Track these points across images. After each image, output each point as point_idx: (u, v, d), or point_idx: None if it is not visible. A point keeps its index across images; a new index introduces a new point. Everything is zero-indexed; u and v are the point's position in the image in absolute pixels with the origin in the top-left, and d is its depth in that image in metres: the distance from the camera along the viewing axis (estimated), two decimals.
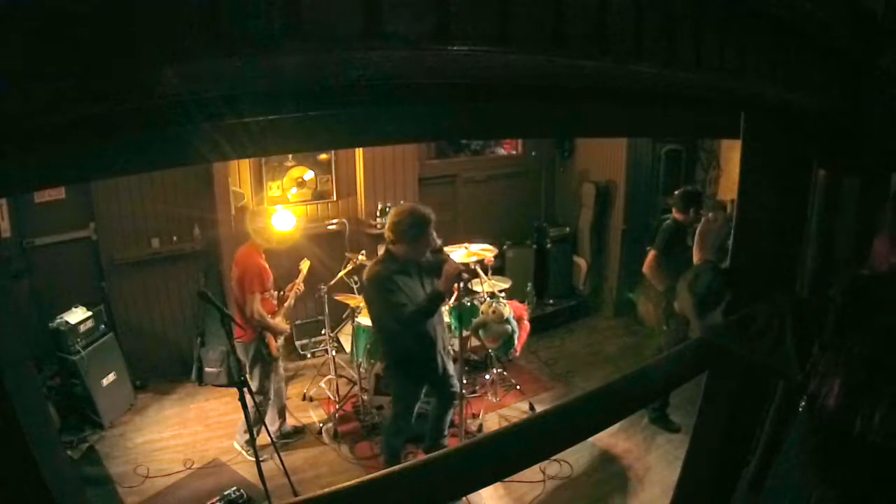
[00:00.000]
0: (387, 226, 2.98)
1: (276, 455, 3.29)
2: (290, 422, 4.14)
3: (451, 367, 3.39)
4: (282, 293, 3.85)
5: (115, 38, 0.53)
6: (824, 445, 1.15)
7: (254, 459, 3.06)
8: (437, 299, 2.87)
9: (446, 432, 3.58)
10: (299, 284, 3.91)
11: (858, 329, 1.10)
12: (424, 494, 1.14)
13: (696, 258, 1.67)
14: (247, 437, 3.72)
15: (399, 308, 2.86)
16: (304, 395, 4.55)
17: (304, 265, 4.09)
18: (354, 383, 4.38)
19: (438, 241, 3.11)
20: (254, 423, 3.66)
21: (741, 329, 1.33)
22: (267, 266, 3.60)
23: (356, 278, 4.48)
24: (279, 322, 3.67)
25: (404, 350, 3.10)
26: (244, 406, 2.84)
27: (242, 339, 3.60)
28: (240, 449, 3.79)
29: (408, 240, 2.91)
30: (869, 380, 1.06)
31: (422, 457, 3.37)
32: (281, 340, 3.77)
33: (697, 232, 1.71)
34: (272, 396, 3.77)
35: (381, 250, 4.22)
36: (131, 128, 0.63)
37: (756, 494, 1.74)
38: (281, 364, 3.93)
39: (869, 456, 1.05)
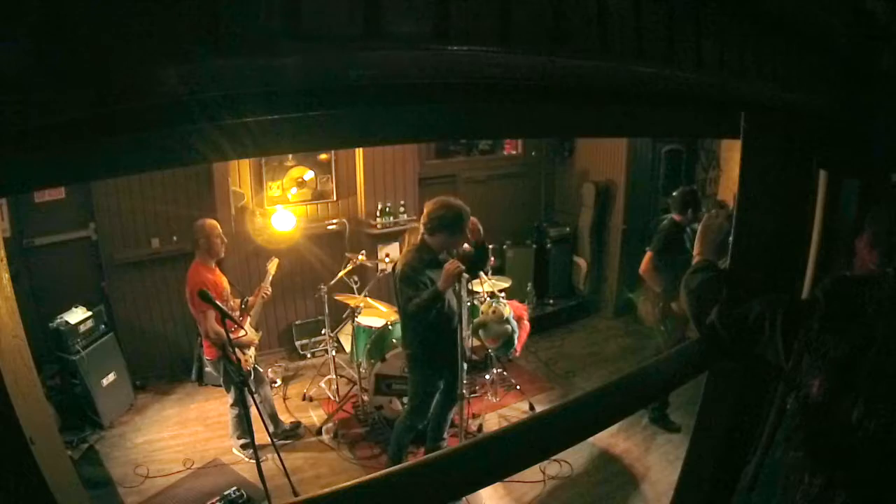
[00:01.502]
0: (425, 216, 3.01)
1: (276, 455, 3.30)
2: (290, 421, 4.14)
3: (464, 367, 3.39)
4: (245, 301, 3.69)
5: (115, 38, 0.53)
6: (810, 438, 1.17)
7: (253, 461, 3.06)
8: (437, 298, 2.89)
9: (445, 434, 3.58)
10: (266, 287, 3.72)
11: (837, 330, 1.12)
12: (424, 494, 1.14)
13: (695, 254, 1.68)
14: (241, 441, 3.72)
15: (406, 298, 2.94)
16: (304, 395, 4.55)
17: (272, 265, 3.88)
18: (354, 383, 4.38)
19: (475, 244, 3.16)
20: (243, 433, 3.65)
21: (736, 326, 1.35)
22: (218, 279, 3.46)
23: (356, 278, 4.48)
24: (242, 335, 3.53)
25: (433, 337, 3.12)
26: (244, 405, 2.84)
27: (209, 357, 3.51)
28: (239, 454, 3.77)
29: (447, 232, 2.98)
30: (846, 380, 1.08)
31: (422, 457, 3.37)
32: (252, 351, 3.65)
33: (699, 228, 1.72)
34: (257, 404, 3.71)
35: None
36: (131, 128, 0.63)
37: (755, 494, 1.75)
38: (264, 371, 3.87)
39: (850, 448, 1.08)
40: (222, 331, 3.19)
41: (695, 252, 1.69)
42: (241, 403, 3.54)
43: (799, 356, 1.19)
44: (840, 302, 1.15)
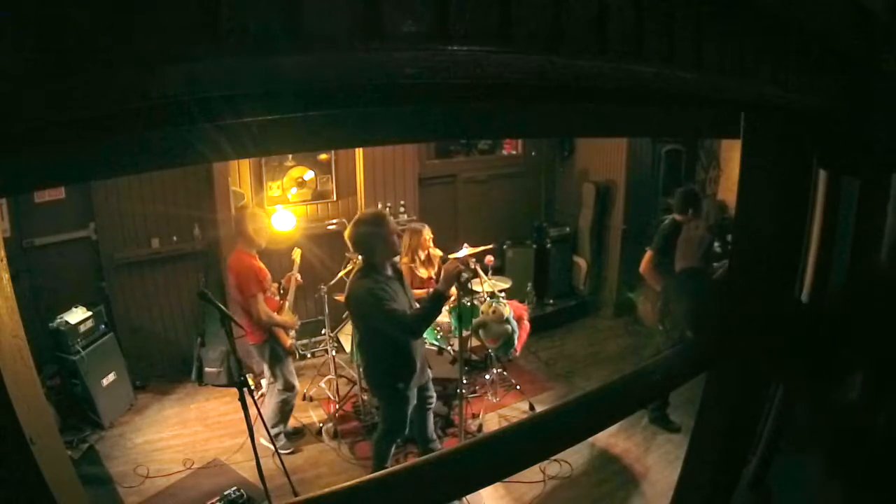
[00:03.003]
0: (355, 242, 2.90)
1: (276, 455, 3.30)
2: (290, 423, 4.14)
3: (429, 373, 3.38)
4: (281, 287, 3.84)
5: (115, 38, 0.53)
6: (838, 441, 1.16)
7: (276, 452, 3.21)
8: (440, 300, 2.83)
9: (434, 436, 3.57)
10: (296, 274, 3.89)
11: (875, 336, 1.11)
12: (424, 494, 1.14)
13: (678, 266, 1.68)
14: (275, 431, 3.72)
15: (401, 315, 2.80)
16: (304, 395, 4.55)
17: (297, 254, 4.07)
18: (354, 383, 4.38)
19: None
20: (284, 417, 3.79)
21: (745, 341, 1.34)
22: (262, 266, 3.58)
23: None
24: (287, 317, 3.68)
25: (395, 361, 3.04)
26: (244, 406, 2.84)
27: (254, 342, 3.60)
28: (267, 444, 3.58)
29: (381, 243, 2.87)
30: (884, 384, 1.07)
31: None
32: (293, 334, 3.80)
33: (679, 240, 1.72)
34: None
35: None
36: (131, 128, 0.63)
37: (755, 494, 1.74)
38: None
39: (883, 451, 1.07)
40: (273, 313, 3.50)
41: (678, 262, 1.69)
42: (287, 387, 3.68)
43: (832, 362, 1.18)
44: (878, 306, 1.14)
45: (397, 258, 3.06)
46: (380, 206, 5.23)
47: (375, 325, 2.92)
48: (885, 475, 1.10)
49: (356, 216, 3.03)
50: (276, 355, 3.63)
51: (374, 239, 2.86)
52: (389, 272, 2.98)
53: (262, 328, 3.52)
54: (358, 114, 0.82)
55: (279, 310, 3.67)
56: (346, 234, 2.93)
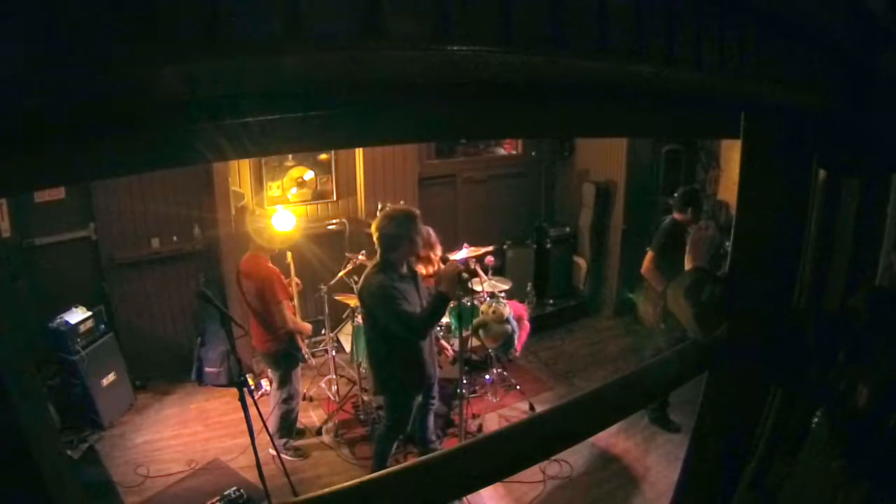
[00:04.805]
0: (381, 234, 2.90)
1: (276, 455, 3.30)
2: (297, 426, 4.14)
3: (437, 374, 3.37)
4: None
5: (115, 38, 0.53)
6: (854, 445, 1.16)
7: (277, 455, 3.16)
8: (443, 301, 2.84)
9: (433, 437, 3.58)
10: (295, 278, 3.86)
11: (886, 338, 1.11)
12: (425, 494, 1.14)
13: (687, 266, 1.68)
14: (283, 441, 3.72)
15: (408, 315, 2.82)
16: (304, 395, 4.54)
17: (290, 258, 4.04)
18: (354, 383, 4.38)
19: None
20: (289, 429, 3.77)
21: (751, 343, 1.34)
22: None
23: (356, 278, 4.46)
24: (303, 323, 3.67)
25: (403, 359, 3.05)
26: (244, 406, 2.83)
27: (271, 350, 3.54)
28: (275, 453, 3.43)
29: (407, 241, 2.89)
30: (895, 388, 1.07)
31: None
32: (307, 340, 3.81)
33: (689, 241, 1.71)
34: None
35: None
36: (132, 128, 0.63)
37: (755, 494, 1.74)
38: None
39: None
40: (297, 319, 3.47)
41: (687, 263, 1.69)
42: (293, 395, 3.67)
43: (842, 368, 1.18)
44: (887, 311, 1.14)
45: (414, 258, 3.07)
46: (380, 205, 5.23)
47: (383, 321, 2.94)
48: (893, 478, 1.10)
49: (388, 210, 3.02)
50: (294, 361, 3.60)
51: (401, 237, 2.88)
52: (405, 270, 3.00)
53: (280, 336, 3.45)
54: (358, 114, 0.82)
55: (294, 315, 3.63)
56: (374, 225, 2.93)
